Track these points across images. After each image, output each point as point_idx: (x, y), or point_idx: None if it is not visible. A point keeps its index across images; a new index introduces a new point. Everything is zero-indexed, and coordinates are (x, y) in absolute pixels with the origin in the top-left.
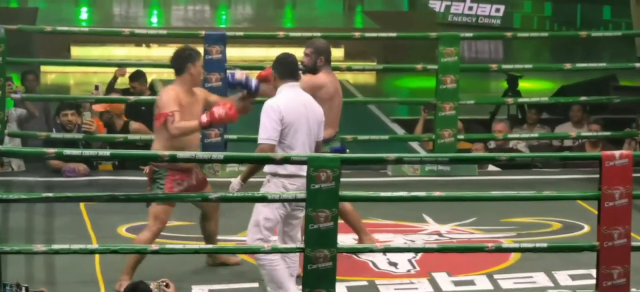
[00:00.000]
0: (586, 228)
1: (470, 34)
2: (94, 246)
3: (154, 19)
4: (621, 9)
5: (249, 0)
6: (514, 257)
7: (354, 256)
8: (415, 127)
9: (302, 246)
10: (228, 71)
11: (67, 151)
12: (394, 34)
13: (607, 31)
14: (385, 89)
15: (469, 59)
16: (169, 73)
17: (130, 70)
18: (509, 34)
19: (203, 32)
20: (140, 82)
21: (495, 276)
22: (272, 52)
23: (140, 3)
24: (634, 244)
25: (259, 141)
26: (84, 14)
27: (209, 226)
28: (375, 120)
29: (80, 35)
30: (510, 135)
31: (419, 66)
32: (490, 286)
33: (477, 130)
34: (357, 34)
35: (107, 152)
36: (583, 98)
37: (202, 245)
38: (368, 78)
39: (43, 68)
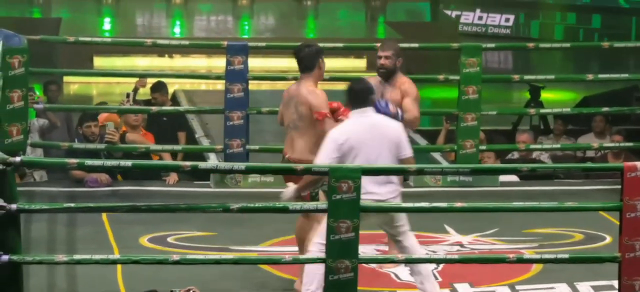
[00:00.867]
0: (608, 239)
1: (492, 45)
2: (116, 256)
3: (177, 30)
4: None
5: (272, 11)
6: (535, 268)
7: (375, 267)
8: (438, 137)
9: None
10: (381, 100)
11: (89, 162)
12: (416, 45)
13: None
14: None
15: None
16: (191, 83)
17: (151, 81)
18: (531, 44)
19: (225, 43)
20: (162, 93)
21: (517, 287)
22: (294, 63)
23: (163, 13)
24: None
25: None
26: (107, 24)
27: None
28: None
29: (103, 45)
30: (532, 146)
31: (441, 77)
32: None
33: (499, 141)
34: (378, 45)
35: (128, 163)
36: (605, 109)
37: (224, 255)
38: None
39: (65, 78)
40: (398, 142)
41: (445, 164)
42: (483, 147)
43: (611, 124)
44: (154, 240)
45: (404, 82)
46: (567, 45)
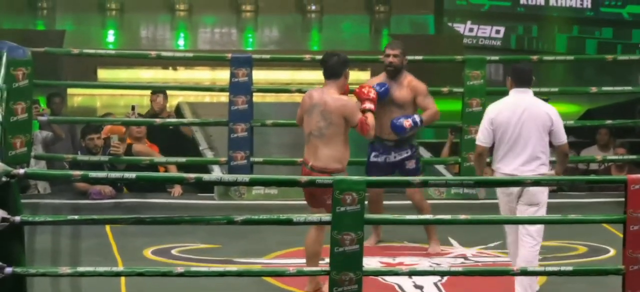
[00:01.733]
0: (612, 252)
1: (496, 58)
2: (120, 268)
3: (181, 42)
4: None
5: (276, 23)
6: (539, 280)
7: (380, 279)
8: (442, 149)
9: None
10: (395, 120)
11: (93, 174)
12: (420, 57)
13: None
14: None
15: None
16: (195, 96)
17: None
18: (534, 57)
19: (229, 55)
20: (163, 97)
21: None
22: (298, 75)
23: (167, 26)
24: None
25: (476, 142)
26: (111, 36)
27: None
28: None
29: (107, 57)
30: None
31: (445, 89)
32: None
33: None
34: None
35: (132, 175)
36: (609, 121)
37: (228, 267)
38: None
39: (69, 91)
40: (550, 126)
41: (449, 176)
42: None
43: (615, 136)
44: (158, 252)
45: (412, 80)
46: (571, 58)
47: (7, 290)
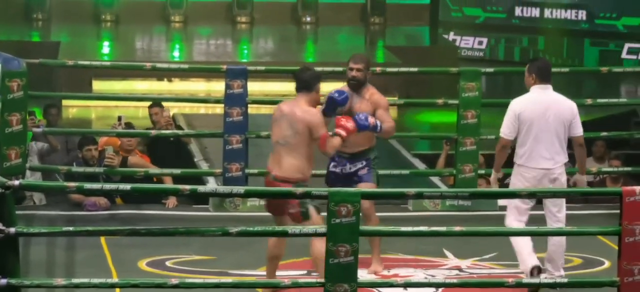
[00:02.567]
0: (607, 264)
1: (491, 69)
2: (115, 280)
3: (176, 53)
4: None
5: (271, 35)
6: None
7: (374, 291)
8: (437, 161)
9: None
10: (360, 113)
11: (88, 185)
12: (415, 69)
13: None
14: (407, 123)
15: None
16: (190, 107)
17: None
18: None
19: (224, 67)
20: (160, 108)
21: None
22: (293, 87)
23: (163, 37)
24: None
25: (500, 134)
26: (105, 48)
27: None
28: (396, 155)
29: (102, 69)
30: None
31: (440, 101)
32: None
33: None
34: (378, 68)
35: (127, 187)
36: (604, 133)
37: (222, 279)
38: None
39: (65, 102)
40: (571, 120)
41: (444, 188)
42: (482, 171)
43: (610, 148)
44: (152, 264)
45: (374, 93)
46: (566, 69)
47: None
